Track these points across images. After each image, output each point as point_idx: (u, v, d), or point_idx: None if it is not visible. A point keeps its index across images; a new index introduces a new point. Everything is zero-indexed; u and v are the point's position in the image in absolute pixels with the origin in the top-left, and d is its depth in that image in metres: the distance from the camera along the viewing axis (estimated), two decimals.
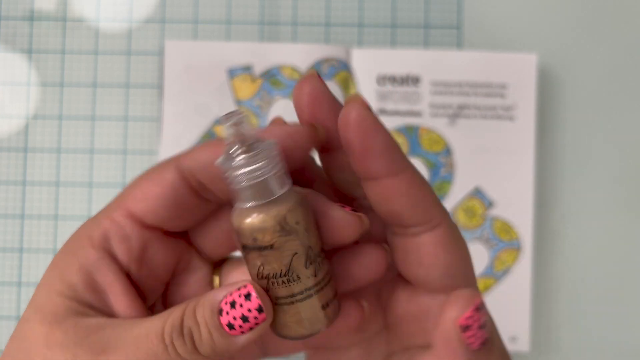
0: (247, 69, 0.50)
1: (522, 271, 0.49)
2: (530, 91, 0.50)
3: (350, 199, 0.25)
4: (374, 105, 0.50)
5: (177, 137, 0.50)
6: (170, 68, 0.50)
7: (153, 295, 0.25)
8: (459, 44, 0.52)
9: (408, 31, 0.52)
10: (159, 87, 0.51)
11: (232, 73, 0.50)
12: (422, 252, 0.23)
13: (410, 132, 0.50)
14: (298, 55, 0.50)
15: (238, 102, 0.50)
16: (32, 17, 0.52)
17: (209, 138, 0.49)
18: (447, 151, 0.50)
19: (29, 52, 0.52)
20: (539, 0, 0.53)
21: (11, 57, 0.52)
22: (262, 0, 0.52)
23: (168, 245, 0.25)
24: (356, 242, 0.24)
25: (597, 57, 0.52)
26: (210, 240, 0.25)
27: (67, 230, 0.51)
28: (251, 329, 0.22)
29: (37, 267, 0.51)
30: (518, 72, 0.50)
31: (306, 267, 0.21)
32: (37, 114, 0.51)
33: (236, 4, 0.52)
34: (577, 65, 0.52)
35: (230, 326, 0.22)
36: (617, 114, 0.52)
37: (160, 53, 0.51)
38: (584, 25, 0.53)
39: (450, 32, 0.52)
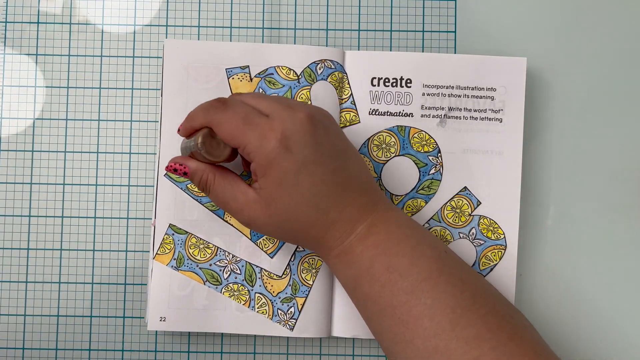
0: (244, 68, 0.51)
1: (507, 269, 0.50)
2: (519, 94, 0.50)
3: None
4: (367, 105, 0.50)
5: (175, 134, 0.49)
6: (170, 67, 0.50)
7: None
8: (454, 49, 0.53)
9: (405, 35, 0.53)
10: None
11: (229, 72, 0.50)
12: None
13: (402, 132, 0.50)
14: (294, 56, 0.50)
15: None
16: (38, 20, 0.52)
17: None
18: (437, 151, 0.50)
19: (35, 54, 0.52)
20: (529, 6, 0.53)
21: (18, 60, 0.52)
22: (263, 5, 0.53)
23: None
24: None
25: (585, 61, 0.53)
26: None
27: (72, 229, 0.51)
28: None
29: (42, 266, 0.51)
30: (508, 75, 0.50)
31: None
32: (43, 116, 0.52)
33: (238, 9, 0.53)
34: (564, 68, 0.53)
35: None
36: (603, 117, 0.53)
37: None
38: (572, 31, 0.53)
39: (446, 37, 0.53)
